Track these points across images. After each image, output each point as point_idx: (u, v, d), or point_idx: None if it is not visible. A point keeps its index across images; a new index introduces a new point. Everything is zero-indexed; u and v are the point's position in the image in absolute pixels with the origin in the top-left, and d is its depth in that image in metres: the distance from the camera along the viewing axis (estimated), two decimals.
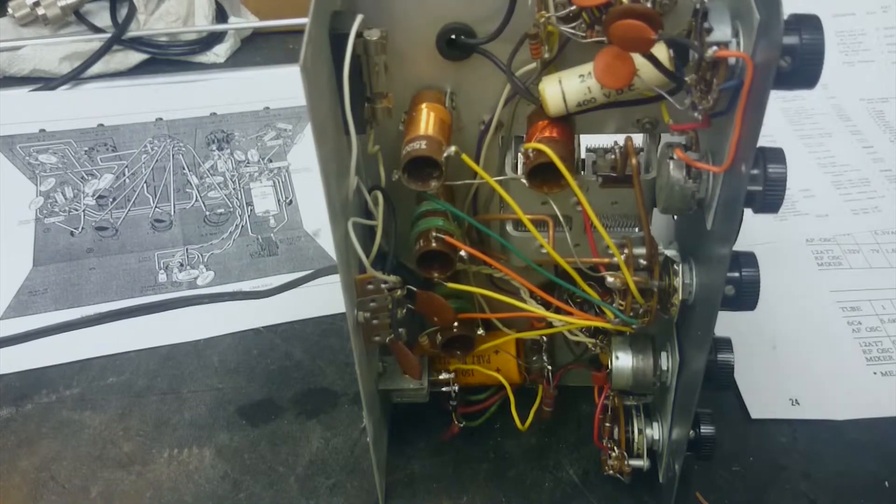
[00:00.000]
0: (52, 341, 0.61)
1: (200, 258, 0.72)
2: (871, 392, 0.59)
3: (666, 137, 0.45)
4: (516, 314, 0.49)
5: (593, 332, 0.50)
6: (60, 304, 0.68)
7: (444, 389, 0.54)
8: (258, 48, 0.96)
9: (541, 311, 0.48)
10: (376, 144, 0.46)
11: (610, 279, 0.45)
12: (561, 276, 0.47)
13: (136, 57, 0.92)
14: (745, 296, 0.41)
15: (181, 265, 0.71)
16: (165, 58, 0.93)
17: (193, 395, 0.61)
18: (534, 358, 0.55)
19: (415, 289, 0.48)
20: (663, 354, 0.49)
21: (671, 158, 0.41)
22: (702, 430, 0.48)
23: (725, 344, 0.45)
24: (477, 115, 0.46)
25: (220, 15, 0.96)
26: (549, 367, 0.54)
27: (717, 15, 0.35)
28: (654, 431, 0.51)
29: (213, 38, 0.93)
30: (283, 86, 0.87)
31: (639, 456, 0.51)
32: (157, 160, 0.81)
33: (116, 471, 0.56)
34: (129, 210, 0.76)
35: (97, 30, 0.93)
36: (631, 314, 0.46)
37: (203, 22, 0.93)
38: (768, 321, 0.63)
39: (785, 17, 0.32)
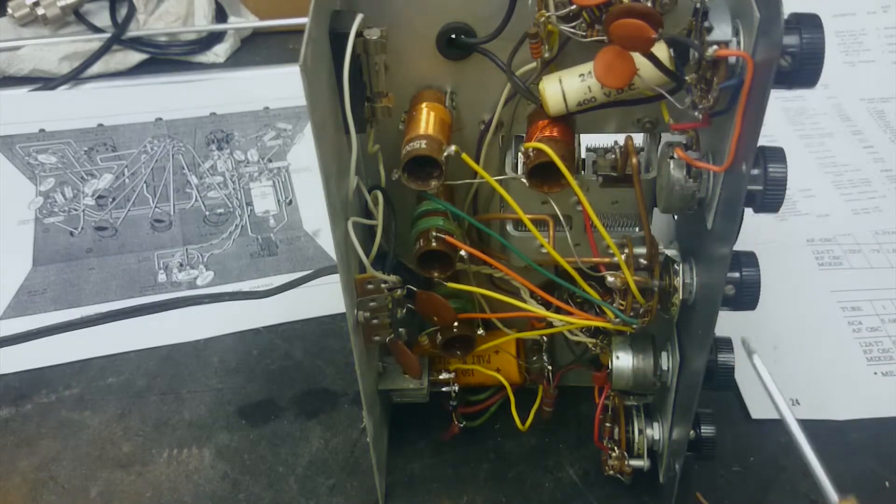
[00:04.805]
0: (51, 341, 0.61)
1: (200, 258, 0.72)
2: (872, 392, 0.59)
3: (666, 137, 0.45)
4: (516, 314, 0.49)
5: (593, 332, 0.50)
6: (60, 304, 0.68)
7: (444, 389, 0.54)
8: (258, 48, 0.96)
9: (541, 311, 0.48)
10: (376, 144, 0.46)
11: (610, 279, 0.45)
12: (561, 275, 0.47)
13: (135, 57, 0.92)
14: (746, 296, 0.41)
15: (181, 265, 0.71)
16: (165, 58, 0.93)
17: (193, 395, 0.61)
18: (534, 358, 0.55)
19: (415, 289, 0.48)
20: (664, 354, 0.49)
21: (671, 158, 0.41)
22: (702, 431, 0.48)
23: (726, 344, 0.45)
24: (477, 114, 0.46)
25: (220, 15, 0.96)
26: (550, 367, 0.54)
27: (718, 14, 0.35)
28: (655, 431, 0.51)
29: (212, 38, 0.93)
30: (283, 86, 0.87)
31: (639, 456, 0.51)
32: (156, 160, 0.81)
33: (116, 471, 0.56)
34: (128, 210, 0.76)
35: (97, 30, 0.93)
36: (631, 314, 0.46)
37: (203, 22, 0.93)
38: (769, 321, 0.63)
39: (785, 16, 0.32)
